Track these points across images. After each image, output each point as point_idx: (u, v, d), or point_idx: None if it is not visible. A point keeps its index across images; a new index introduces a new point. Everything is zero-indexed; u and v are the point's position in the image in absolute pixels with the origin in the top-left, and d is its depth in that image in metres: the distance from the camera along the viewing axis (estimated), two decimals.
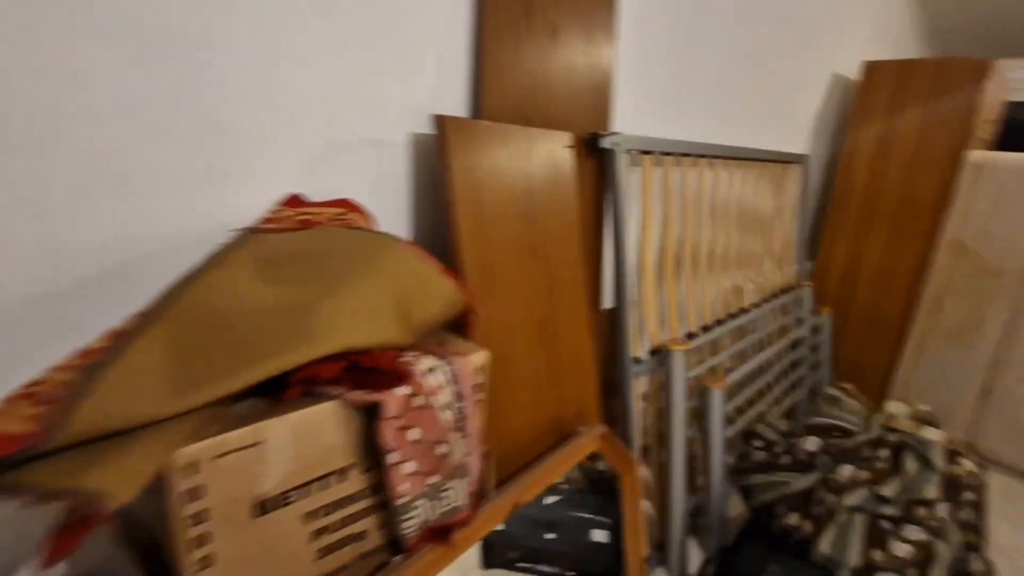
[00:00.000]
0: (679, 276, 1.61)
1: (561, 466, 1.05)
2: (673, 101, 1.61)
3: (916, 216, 2.27)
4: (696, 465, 1.60)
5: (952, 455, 1.30)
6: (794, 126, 2.33)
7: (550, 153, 1.13)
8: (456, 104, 1.06)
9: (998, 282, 2.11)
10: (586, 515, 1.27)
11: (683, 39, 1.56)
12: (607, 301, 1.47)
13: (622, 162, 1.30)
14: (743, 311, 1.90)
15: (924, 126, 2.21)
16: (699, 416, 1.50)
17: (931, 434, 1.32)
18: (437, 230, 1.02)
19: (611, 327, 1.42)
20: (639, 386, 1.43)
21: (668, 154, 1.48)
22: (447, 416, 0.72)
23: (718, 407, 1.48)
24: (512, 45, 1.06)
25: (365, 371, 0.67)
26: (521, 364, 1.04)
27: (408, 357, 0.71)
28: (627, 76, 1.40)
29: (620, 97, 1.38)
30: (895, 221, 2.33)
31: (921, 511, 1.22)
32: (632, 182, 1.42)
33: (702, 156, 1.63)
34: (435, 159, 0.99)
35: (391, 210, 1.02)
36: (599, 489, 1.27)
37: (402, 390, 0.67)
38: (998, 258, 2.10)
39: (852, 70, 2.46)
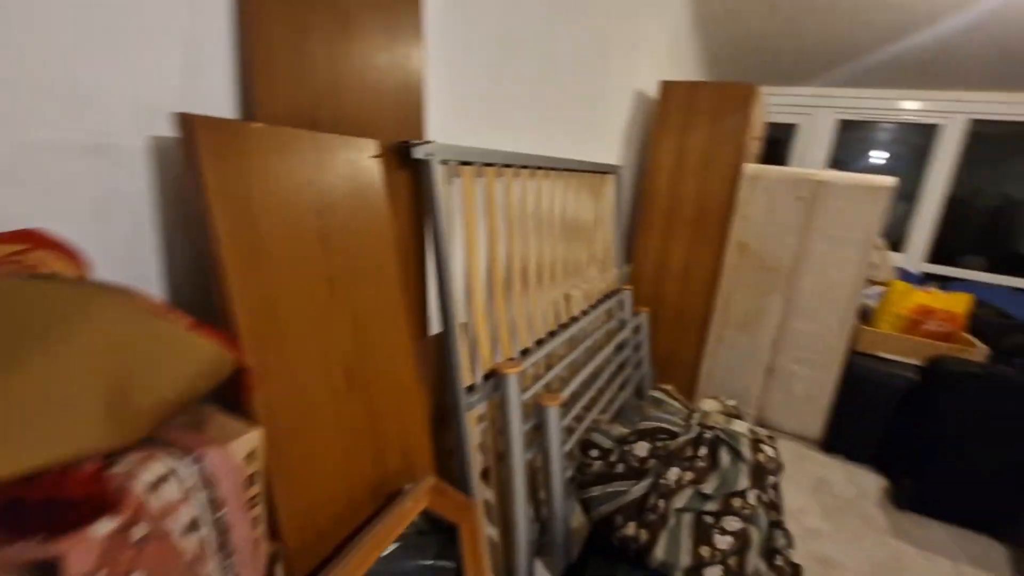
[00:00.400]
0: (509, 292, 1.54)
1: (386, 537, 0.88)
2: (493, 109, 1.54)
3: (709, 221, 2.56)
4: (539, 482, 1.55)
5: (756, 444, 1.43)
6: (608, 138, 2.46)
7: (351, 164, 0.95)
8: (220, 102, 0.82)
9: (773, 276, 2.46)
10: (428, 562, 1.12)
11: (498, 44, 1.49)
12: (437, 326, 1.33)
13: (439, 173, 1.17)
14: (573, 320, 1.92)
15: (710, 141, 2.49)
16: (538, 434, 1.45)
17: (738, 427, 1.43)
18: (204, 267, 0.78)
19: (440, 354, 1.29)
20: (474, 414, 1.32)
21: (490, 165, 1.40)
22: (194, 540, 0.51)
23: (555, 425, 1.44)
24: (292, 33, 0.86)
25: (37, 507, 0.43)
26: (325, 423, 0.85)
27: (122, 467, 0.49)
28: (441, 80, 1.28)
29: (434, 103, 1.26)
30: (693, 225, 2.60)
31: (736, 501, 1.31)
32: (453, 195, 1.31)
33: (525, 167, 1.59)
34: (185, 171, 0.75)
35: (128, 243, 0.75)
36: (441, 527, 1.13)
37: (104, 526, 0.44)
38: (772, 256, 2.45)
39: (652, 88, 2.69)
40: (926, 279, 3.50)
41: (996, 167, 4.11)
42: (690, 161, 2.56)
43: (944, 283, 3.44)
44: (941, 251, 3.67)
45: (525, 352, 1.56)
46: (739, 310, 2.56)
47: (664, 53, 2.85)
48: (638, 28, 2.48)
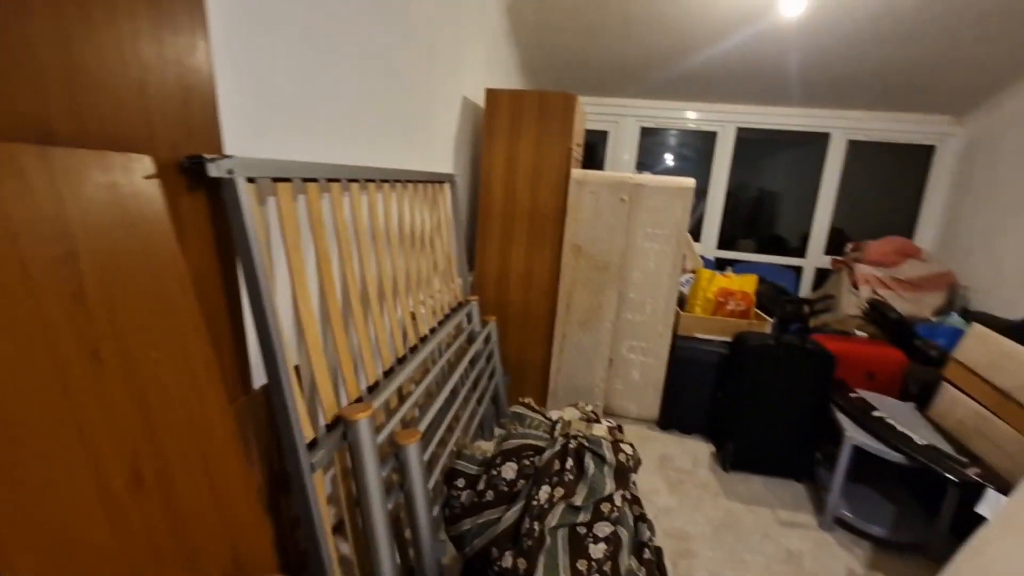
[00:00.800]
0: (349, 320, 1.36)
1: None
2: (309, 116, 1.34)
3: (544, 225, 2.63)
4: (403, 524, 1.40)
5: (616, 445, 1.46)
6: (439, 146, 2.38)
7: (112, 189, 0.71)
8: None
9: (606, 274, 2.62)
10: None
11: (308, 40, 1.30)
12: (262, 375, 1.10)
13: (246, 193, 0.96)
14: (423, 340, 1.80)
15: (538, 148, 2.57)
16: (399, 475, 1.31)
17: (599, 430, 1.45)
18: None
19: (270, 409, 1.07)
20: (320, 473, 1.12)
21: (311, 180, 1.20)
22: None
23: (416, 463, 1.31)
24: None
25: None
26: (94, 557, 0.61)
27: None
28: (239, 81, 1.06)
29: (231, 109, 1.03)
30: (530, 230, 2.65)
31: (605, 507, 1.32)
32: (270, 218, 1.09)
33: (354, 180, 1.42)
34: None
35: None
36: None
37: None
38: (603, 255, 2.61)
39: (479, 95, 2.68)
40: (719, 264, 4.09)
41: (755, 165, 5.00)
42: (521, 167, 2.61)
43: (731, 266, 4.07)
44: (725, 238, 4.33)
45: (374, 388, 1.40)
46: (580, 308, 2.68)
47: (485, 61, 2.86)
48: (460, 35, 2.44)
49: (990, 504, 1.10)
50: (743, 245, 4.61)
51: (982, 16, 2.59)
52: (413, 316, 1.85)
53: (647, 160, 4.71)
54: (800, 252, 4.12)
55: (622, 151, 4.21)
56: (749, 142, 4.27)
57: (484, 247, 2.71)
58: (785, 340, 2.29)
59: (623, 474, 1.41)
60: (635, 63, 3.48)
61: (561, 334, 2.72)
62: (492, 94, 2.55)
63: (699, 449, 2.59)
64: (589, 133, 4.27)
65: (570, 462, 1.37)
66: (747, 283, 2.81)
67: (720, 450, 2.51)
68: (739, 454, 2.39)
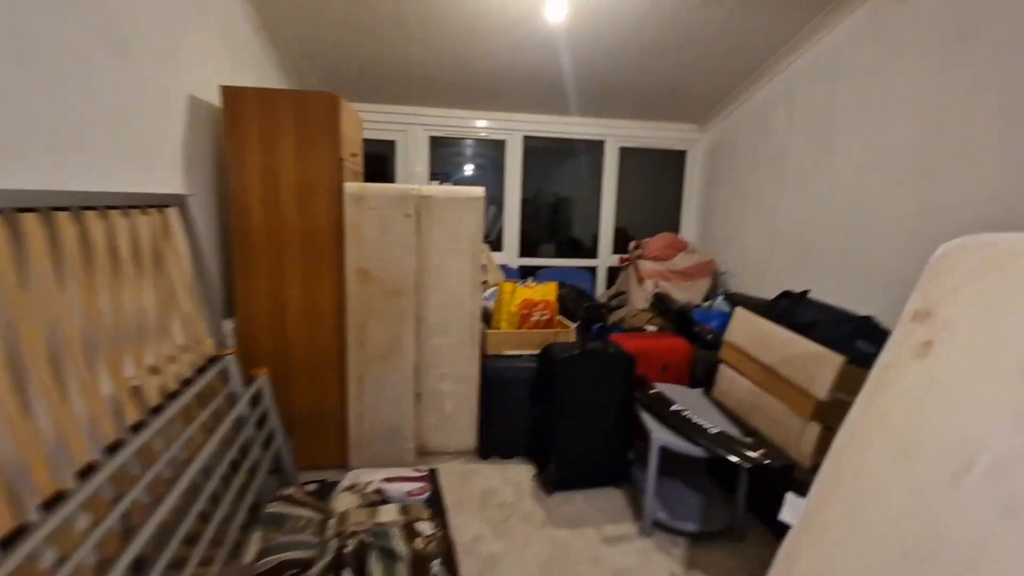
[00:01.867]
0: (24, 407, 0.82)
1: None
2: None
3: (321, 249, 2.22)
4: None
5: (410, 529, 1.16)
6: (158, 160, 1.81)
7: None
8: None
9: (402, 299, 2.31)
10: None
11: None
12: None
13: None
14: (152, 413, 1.27)
15: (300, 158, 2.14)
16: None
17: (385, 515, 1.13)
18: None
19: None
20: None
21: None
22: None
23: None
24: None
25: None
26: None
27: None
28: None
29: None
30: (305, 256, 2.22)
31: None
32: None
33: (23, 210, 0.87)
34: None
35: None
36: None
37: None
38: (396, 278, 2.29)
39: (213, 96, 2.14)
40: (523, 272, 4.10)
41: (551, 171, 5.20)
42: (285, 183, 2.16)
43: (532, 276, 4.11)
44: (528, 245, 4.38)
45: (60, 498, 0.87)
46: (376, 341, 2.32)
47: (227, 58, 2.33)
48: (183, 31, 1.90)
49: (791, 509, 1.07)
50: (545, 250, 4.72)
51: (713, 36, 2.93)
52: (136, 389, 1.31)
53: (448, 171, 4.53)
54: (594, 253, 4.35)
55: (414, 162, 3.95)
56: (544, 150, 4.37)
57: (247, 283, 2.19)
58: (589, 348, 2.25)
59: (422, 564, 1.12)
60: (414, 69, 3.24)
61: (357, 374, 2.33)
62: (231, 93, 2.06)
63: (521, 475, 2.44)
64: (376, 143, 3.92)
65: (347, 573, 1.02)
66: (548, 291, 2.77)
67: (541, 472, 2.39)
68: (560, 472, 2.29)
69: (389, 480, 1.98)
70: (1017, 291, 0.89)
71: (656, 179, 4.55)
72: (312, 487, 2.05)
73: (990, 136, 2.02)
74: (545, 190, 4.74)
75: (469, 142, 4.28)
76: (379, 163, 4.12)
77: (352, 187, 2.20)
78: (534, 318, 2.66)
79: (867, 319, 2.05)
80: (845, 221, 2.74)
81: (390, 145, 3.97)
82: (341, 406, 2.35)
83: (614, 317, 3.73)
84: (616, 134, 4.13)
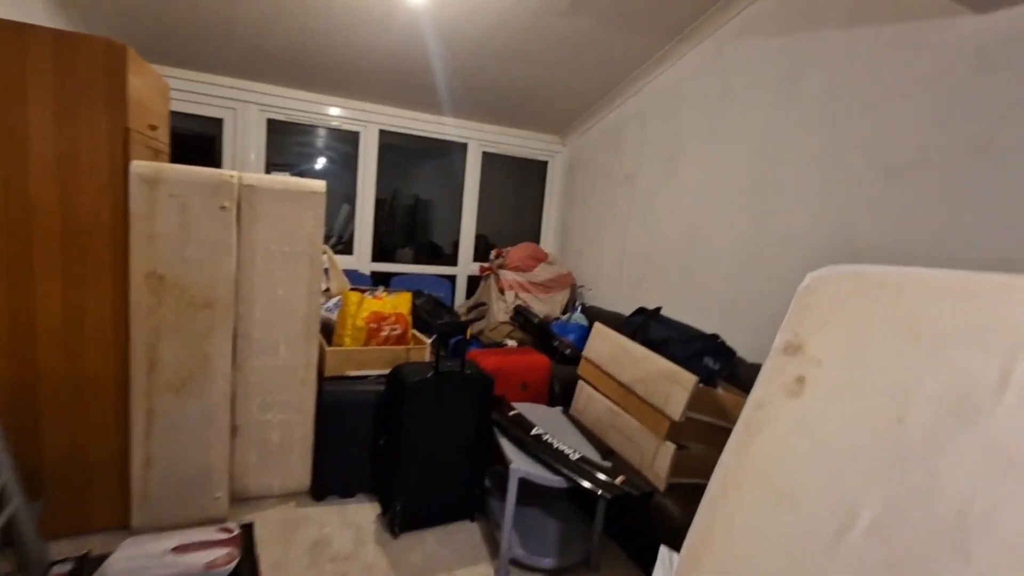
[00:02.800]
0: None
1: None
2: None
3: (92, 246, 1.68)
4: None
5: None
6: None
7: None
8: None
9: (212, 312, 1.85)
10: None
11: None
12: None
13: None
14: None
15: (62, 122, 1.60)
16: None
17: None
18: None
19: None
20: None
21: None
22: None
23: None
24: None
25: None
26: None
27: None
28: None
29: None
30: (67, 255, 1.66)
31: None
32: None
33: None
34: None
35: None
36: None
37: None
38: (204, 286, 1.82)
39: None
40: (376, 279, 3.73)
41: (411, 172, 4.89)
42: (35, 154, 1.59)
43: (384, 285, 3.77)
44: (383, 249, 4.03)
45: None
46: (173, 366, 1.82)
47: None
48: None
49: (664, 567, 0.95)
50: (402, 255, 4.40)
51: (574, 49, 2.90)
52: None
53: (294, 162, 3.98)
54: (454, 260, 4.14)
55: (247, 148, 3.38)
56: (403, 149, 4.06)
57: None
58: (443, 369, 2.01)
59: None
60: (245, 33, 2.73)
61: (145, 408, 1.81)
62: None
63: (364, 516, 2.11)
64: (199, 120, 3.28)
65: None
66: (401, 302, 2.48)
67: (387, 511, 2.09)
68: (407, 510, 2.01)
69: (182, 549, 1.54)
70: (888, 325, 0.85)
71: (519, 188, 4.50)
72: (64, 568, 1.52)
73: (814, 171, 2.22)
74: (403, 191, 4.42)
75: (321, 132, 3.80)
76: (202, 145, 3.46)
77: (142, 166, 1.69)
78: (384, 333, 2.35)
79: (714, 337, 2.12)
80: (687, 242, 2.88)
81: (217, 124, 3.34)
82: (121, 450, 1.81)
83: (474, 329, 3.56)
84: (480, 138, 3.98)
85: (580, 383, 2.49)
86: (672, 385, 1.89)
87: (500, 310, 3.46)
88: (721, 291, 2.62)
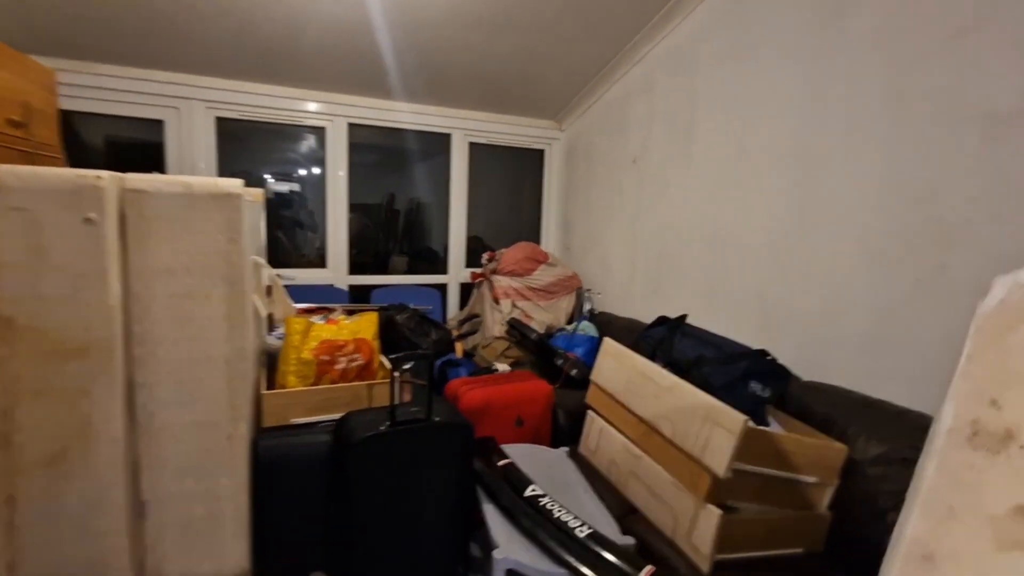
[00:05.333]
0: None
1: None
2: None
3: None
4: None
5: None
6: None
7: None
8: None
9: (88, 363, 1.39)
10: None
11: None
12: None
13: None
14: None
15: None
16: None
17: None
18: None
19: None
20: None
21: None
22: None
23: None
24: None
25: None
26: None
27: None
28: None
29: None
30: None
31: None
32: None
33: None
34: None
35: None
36: None
37: None
38: (73, 328, 1.37)
39: None
40: (354, 294, 3.27)
41: (406, 174, 4.42)
42: None
43: (369, 293, 3.31)
44: (379, 258, 3.59)
45: None
46: (38, 437, 1.37)
47: None
48: None
49: None
50: (397, 263, 3.94)
51: (562, 17, 2.41)
52: None
53: (263, 169, 3.53)
54: (443, 267, 3.66)
55: (195, 154, 2.94)
56: (397, 150, 3.61)
57: None
58: (403, 417, 1.53)
59: None
60: (177, 21, 2.29)
61: (3, 496, 1.36)
62: None
63: None
64: (143, 125, 2.85)
65: None
66: (364, 326, 2.01)
67: None
68: None
69: None
70: None
71: (515, 182, 4.01)
72: None
73: (872, 133, 1.69)
74: (401, 195, 3.95)
75: (296, 132, 3.34)
76: (147, 154, 3.03)
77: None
78: (340, 366, 1.88)
79: (761, 354, 1.61)
80: (707, 233, 2.37)
81: (157, 128, 2.91)
82: None
83: (467, 344, 3.08)
84: (464, 127, 3.50)
85: (590, 414, 2.00)
86: (713, 428, 1.39)
87: (495, 322, 2.97)
88: (756, 290, 2.11)
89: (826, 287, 1.85)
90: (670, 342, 1.79)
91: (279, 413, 1.77)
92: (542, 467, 1.74)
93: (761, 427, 1.41)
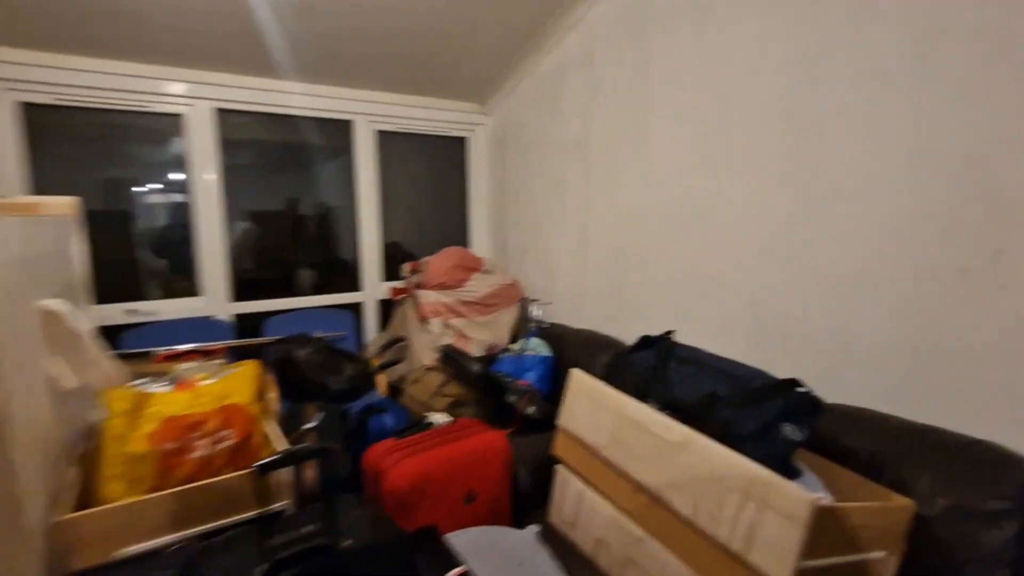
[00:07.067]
0: None
1: None
2: None
3: None
4: None
5: None
6: None
7: None
8: None
9: None
10: None
11: None
12: None
13: None
14: None
15: None
16: None
17: None
18: None
19: None
20: None
21: None
22: None
23: None
24: None
25: None
26: None
27: None
28: None
29: None
30: None
31: None
32: None
33: None
34: None
35: None
36: None
37: None
38: None
39: None
40: (241, 326, 2.59)
41: (311, 177, 3.70)
42: None
43: (259, 324, 2.63)
44: (287, 276, 2.90)
45: None
46: None
47: None
48: None
49: None
50: (303, 279, 3.24)
51: None
52: None
53: (130, 175, 2.70)
54: (355, 283, 3.04)
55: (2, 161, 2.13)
56: (302, 148, 2.92)
57: None
58: (293, 547, 0.96)
59: None
60: None
61: None
62: None
63: None
64: None
65: None
66: (237, 386, 1.40)
67: None
68: None
69: None
70: None
71: (437, 176, 3.46)
72: None
73: (896, 82, 1.34)
74: (307, 199, 3.24)
75: (154, 126, 2.55)
76: None
77: None
78: (196, 454, 1.27)
79: (792, 384, 1.20)
80: (677, 223, 1.97)
81: None
82: None
83: (392, 375, 2.51)
84: (369, 112, 2.90)
85: (561, 471, 1.52)
86: (760, 511, 0.95)
87: (424, 347, 2.42)
88: (746, 290, 1.73)
89: (839, 285, 1.49)
90: (663, 372, 1.35)
91: (98, 544, 1.13)
92: (510, 567, 1.24)
93: (828, 503, 0.99)
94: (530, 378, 2.18)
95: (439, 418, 1.67)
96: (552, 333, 2.47)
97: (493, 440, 1.58)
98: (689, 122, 1.90)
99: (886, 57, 1.34)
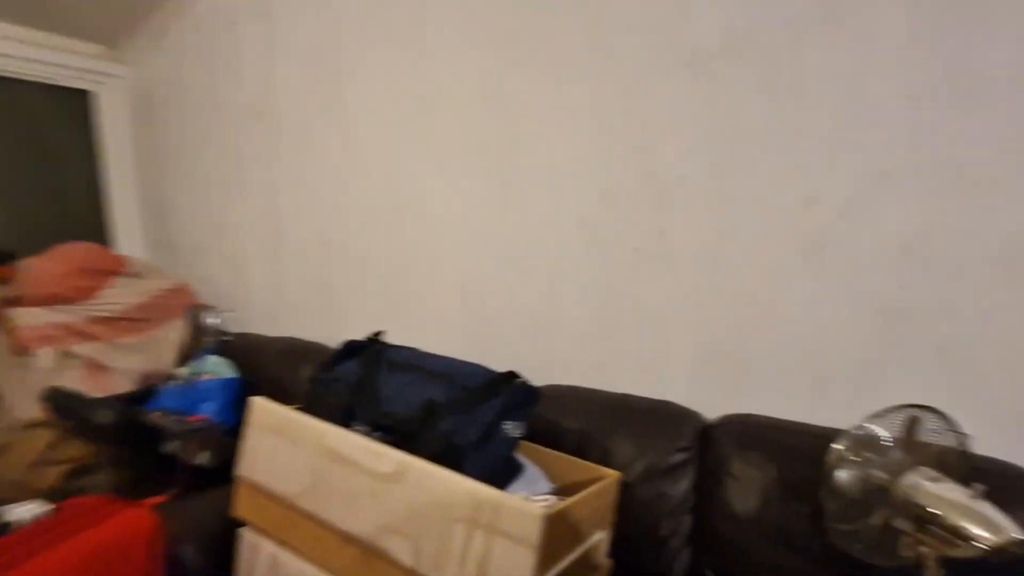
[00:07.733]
0: None
1: None
2: None
3: None
4: None
5: None
6: None
7: None
8: None
9: None
10: None
11: None
12: None
13: None
14: None
15: None
16: None
17: None
18: None
19: None
20: None
21: None
22: None
23: None
24: None
25: None
26: None
27: None
28: None
29: None
30: None
31: None
32: None
33: None
34: None
35: None
36: None
37: None
38: None
39: None
40: None
41: None
42: None
43: None
44: None
45: None
46: None
47: None
48: None
49: None
50: None
51: None
52: None
53: None
54: None
55: None
56: None
57: None
58: None
59: None
60: None
61: None
62: None
63: None
64: None
65: None
66: None
67: None
68: None
69: None
70: None
71: (50, 143, 2.42)
72: None
73: (577, 72, 1.37)
74: None
75: None
76: None
77: None
78: None
79: (509, 377, 1.09)
80: (388, 207, 1.76)
81: None
82: None
83: None
84: None
85: (246, 534, 1.13)
86: (489, 538, 0.79)
87: (25, 393, 1.61)
88: (458, 279, 1.63)
89: (540, 267, 1.49)
90: (372, 385, 1.09)
91: None
92: None
93: (552, 507, 0.89)
94: (208, 410, 1.66)
95: (26, 511, 1.05)
96: (240, 347, 1.95)
97: (130, 522, 1.06)
98: (389, 97, 1.68)
99: (570, 44, 1.36)
